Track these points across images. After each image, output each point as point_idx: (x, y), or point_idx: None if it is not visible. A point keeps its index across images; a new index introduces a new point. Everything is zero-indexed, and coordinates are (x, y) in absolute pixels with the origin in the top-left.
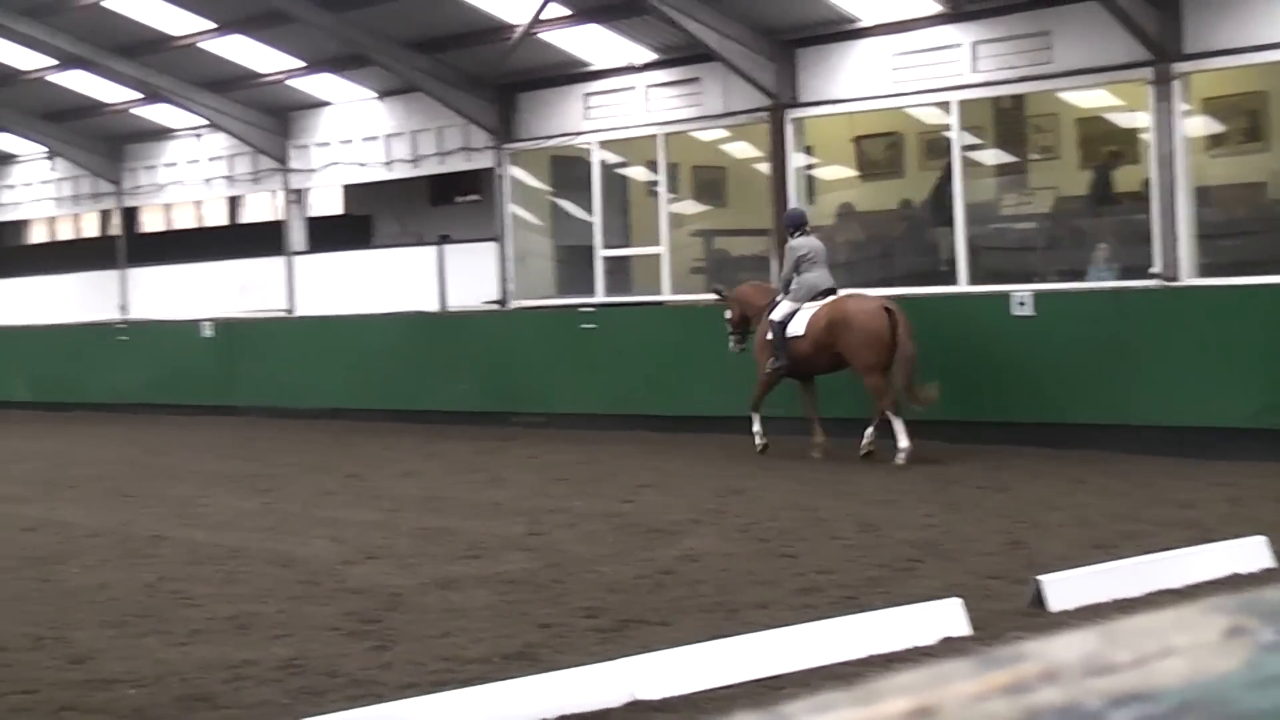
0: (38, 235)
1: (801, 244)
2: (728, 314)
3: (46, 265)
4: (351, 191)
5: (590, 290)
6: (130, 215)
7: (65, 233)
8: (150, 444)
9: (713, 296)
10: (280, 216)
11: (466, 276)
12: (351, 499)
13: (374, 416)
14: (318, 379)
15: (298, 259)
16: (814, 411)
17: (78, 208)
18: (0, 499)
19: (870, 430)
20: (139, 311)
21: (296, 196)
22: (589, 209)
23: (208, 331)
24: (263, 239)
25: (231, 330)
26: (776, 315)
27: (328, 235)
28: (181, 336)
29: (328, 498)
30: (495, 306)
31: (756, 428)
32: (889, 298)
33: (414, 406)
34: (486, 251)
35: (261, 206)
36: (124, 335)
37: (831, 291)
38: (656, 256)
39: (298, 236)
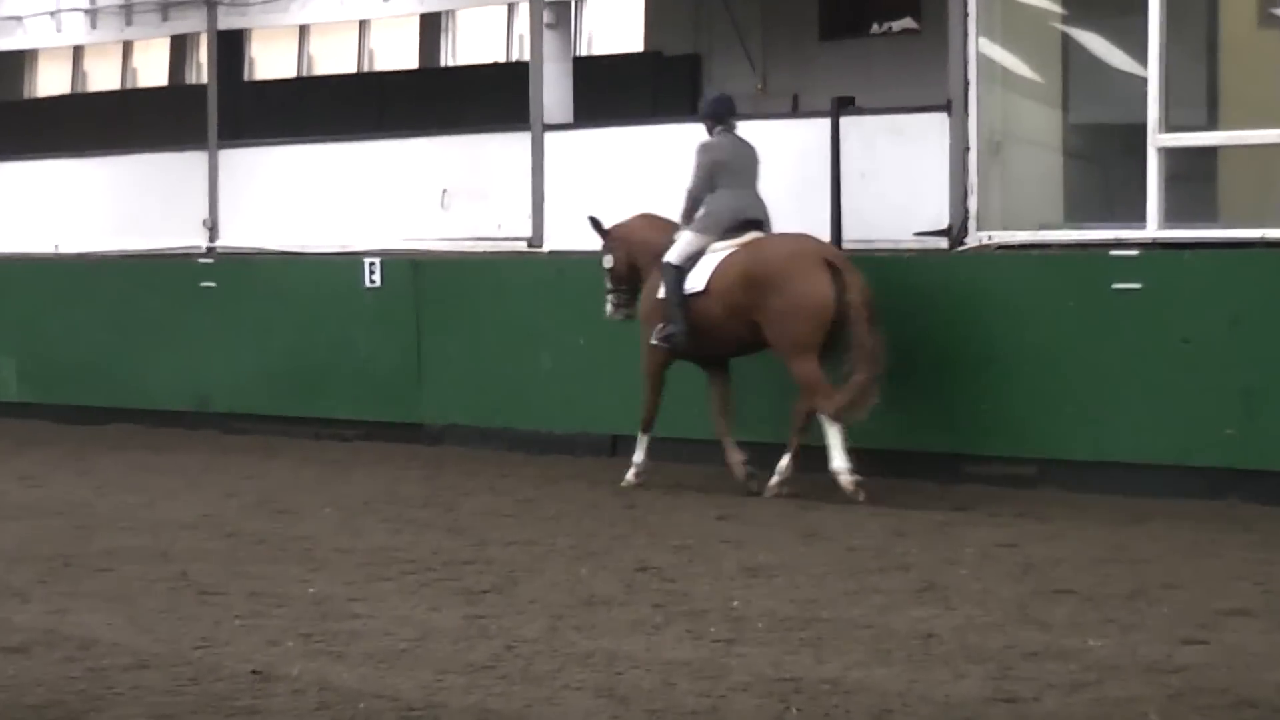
0: (51, 83)
1: (720, 145)
2: (607, 261)
3: (69, 139)
4: (661, 9)
5: (1137, 214)
6: (230, 46)
7: (104, 79)
8: (260, 491)
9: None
10: (521, 56)
11: (888, 180)
12: (644, 615)
13: (697, 451)
14: (589, 375)
15: (553, 137)
16: (726, 418)
17: (131, 31)
18: None
19: (788, 458)
20: (240, 235)
21: (555, 16)
22: (1139, 53)
23: (374, 276)
24: (488, 99)
25: (422, 275)
26: (672, 256)
27: (613, 94)
28: (325, 285)
29: (597, 610)
30: (943, 241)
31: (637, 457)
32: (834, 246)
33: (766, 438)
34: (928, 131)
35: (485, 36)
36: (210, 280)
37: (758, 225)
38: (1275, 149)
39: (555, 94)
